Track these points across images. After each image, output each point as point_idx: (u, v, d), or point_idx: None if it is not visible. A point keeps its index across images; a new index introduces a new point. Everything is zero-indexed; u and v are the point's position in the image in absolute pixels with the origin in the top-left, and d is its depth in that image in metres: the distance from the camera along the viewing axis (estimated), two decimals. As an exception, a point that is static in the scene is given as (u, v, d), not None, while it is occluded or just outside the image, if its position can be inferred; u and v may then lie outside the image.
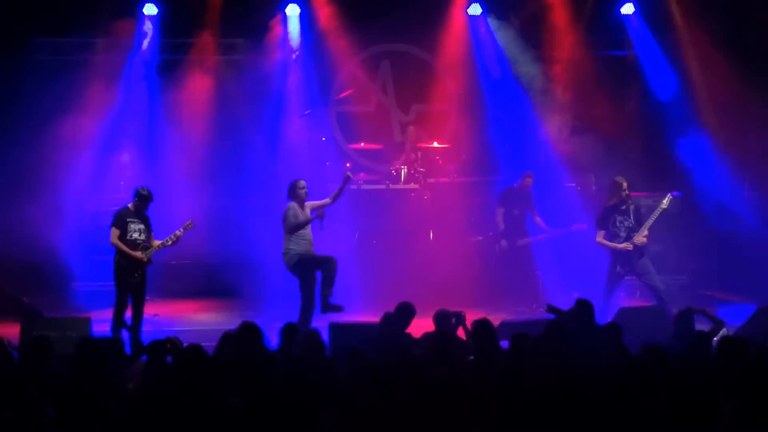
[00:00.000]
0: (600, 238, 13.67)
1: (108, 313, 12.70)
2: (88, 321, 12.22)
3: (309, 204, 13.24)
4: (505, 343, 9.20)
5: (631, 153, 16.82)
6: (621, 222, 13.64)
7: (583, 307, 10.02)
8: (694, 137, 16.73)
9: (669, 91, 16.99)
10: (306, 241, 13.04)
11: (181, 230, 12.93)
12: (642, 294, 15.18)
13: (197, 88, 17.23)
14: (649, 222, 13.54)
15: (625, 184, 13.60)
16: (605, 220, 13.69)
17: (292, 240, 13.01)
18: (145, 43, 17.11)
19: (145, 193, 12.80)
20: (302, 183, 13.14)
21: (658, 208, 13.54)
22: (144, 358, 9.20)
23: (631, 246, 13.54)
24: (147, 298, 13.55)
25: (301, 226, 12.92)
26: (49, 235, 15.91)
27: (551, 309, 10.72)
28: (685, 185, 16.80)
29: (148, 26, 17.09)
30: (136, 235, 12.72)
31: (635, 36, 17.55)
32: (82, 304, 14.70)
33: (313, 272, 13.04)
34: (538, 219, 16.02)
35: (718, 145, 16.67)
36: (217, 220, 16.58)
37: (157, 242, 12.83)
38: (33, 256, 15.59)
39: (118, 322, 12.53)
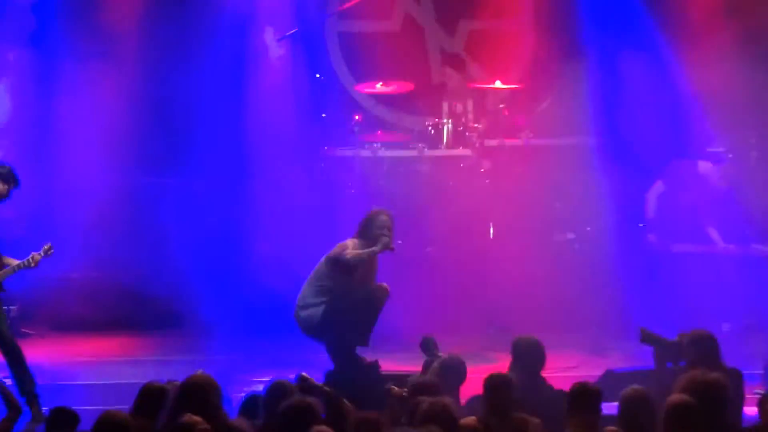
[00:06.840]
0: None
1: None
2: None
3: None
4: (612, 407, 7.55)
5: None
6: None
7: None
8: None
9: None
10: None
11: (40, 254, 11.31)
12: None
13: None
14: None
15: None
16: None
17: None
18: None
19: None
20: (385, 218, 11.41)
21: None
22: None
23: None
24: (32, 333, 13.04)
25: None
26: None
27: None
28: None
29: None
30: None
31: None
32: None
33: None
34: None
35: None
36: (145, 210, 14.18)
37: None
38: None
39: None
